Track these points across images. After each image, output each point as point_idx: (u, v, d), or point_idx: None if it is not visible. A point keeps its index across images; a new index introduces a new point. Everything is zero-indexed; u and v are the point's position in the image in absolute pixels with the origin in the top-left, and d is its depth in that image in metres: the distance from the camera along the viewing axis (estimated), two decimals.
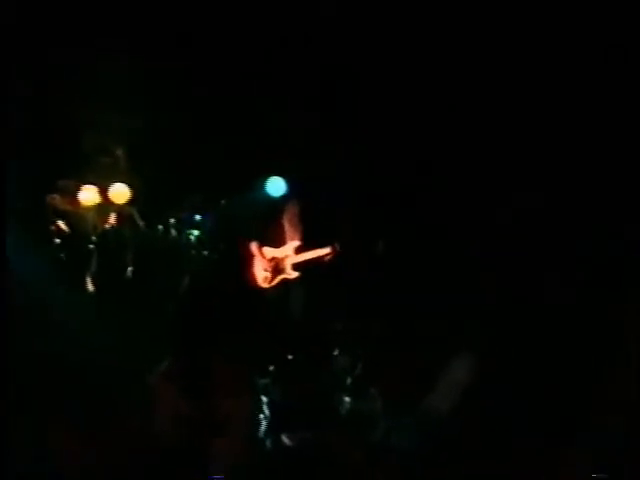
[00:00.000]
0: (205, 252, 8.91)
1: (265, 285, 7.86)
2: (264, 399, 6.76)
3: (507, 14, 6.35)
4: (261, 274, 7.91)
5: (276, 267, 7.86)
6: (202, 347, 6.14)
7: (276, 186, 8.73)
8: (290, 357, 7.17)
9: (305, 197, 7.90)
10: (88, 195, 8.73)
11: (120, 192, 8.81)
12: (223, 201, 8.93)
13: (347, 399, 6.86)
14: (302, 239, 7.84)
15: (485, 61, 6.63)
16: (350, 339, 7.26)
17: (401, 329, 7.34)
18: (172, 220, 9.04)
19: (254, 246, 7.88)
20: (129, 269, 8.59)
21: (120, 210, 8.83)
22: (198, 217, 9.08)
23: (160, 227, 9.00)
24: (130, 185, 8.79)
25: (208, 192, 8.91)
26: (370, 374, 6.93)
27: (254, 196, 8.64)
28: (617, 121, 6.38)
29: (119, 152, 8.83)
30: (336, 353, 7.16)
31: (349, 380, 6.95)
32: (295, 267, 7.89)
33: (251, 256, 7.91)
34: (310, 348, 7.31)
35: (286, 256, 7.92)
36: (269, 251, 8.00)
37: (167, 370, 5.65)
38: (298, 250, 7.89)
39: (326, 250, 7.63)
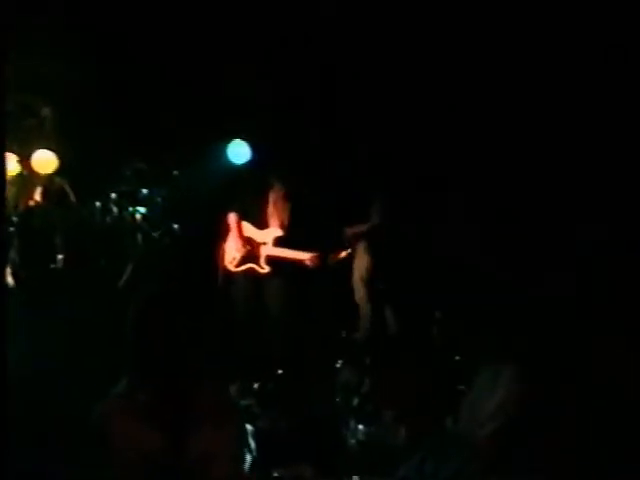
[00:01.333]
0: (155, 235, 7.94)
1: (231, 268, 6.97)
2: (248, 426, 5.42)
3: (508, 13, 6.45)
4: (231, 253, 6.99)
5: (249, 251, 6.96)
6: (167, 358, 4.77)
7: (239, 152, 7.76)
8: (279, 371, 6.21)
9: (286, 179, 7.06)
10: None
11: (46, 160, 7.80)
12: (175, 171, 8.12)
13: (355, 425, 5.61)
14: (285, 229, 7.00)
15: (484, 60, 6.71)
16: (354, 347, 6.43)
17: (414, 333, 6.67)
18: (112, 195, 7.98)
19: (233, 218, 6.92)
20: (59, 257, 7.53)
21: (47, 183, 7.82)
22: (145, 191, 8.06)
23: (97, 204, 7.96)
24: (59, 152, 7.80)
25: (157, 160, 8.06)
26: (381, 391, 5.43)
27: (213, 164, 7.72)
28: (617, 120, 6.42)
29: (45, 111, 7.93)
30: (339, 365, 6.15)
31: (356, 400, 5.80)
32: (269, 261, 6.98)
33: (227, 229, 6.95)
34: (304, 359, 6.47)
35: (263, 243, 7.02)
36: (247, 229, 7.02)
37: (123, 393, 4.11)
38: (277, 242, 7.01)
39: (308, 255, 6.88)
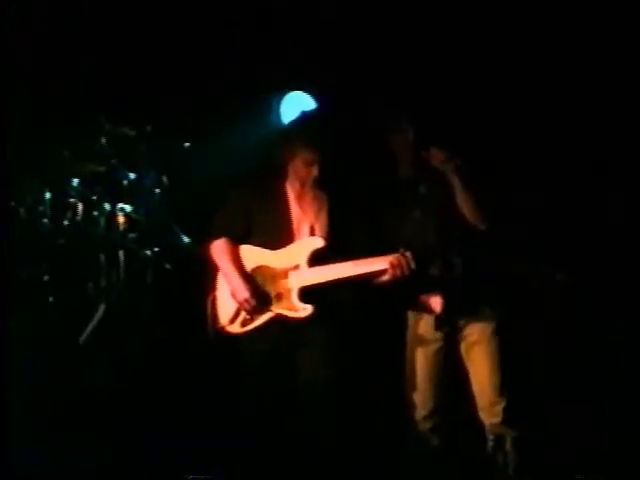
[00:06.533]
0: (147, 252, 5.42)
1: (234, 328, 4.87)
2: None
3: (513, 17, 6.33)
4: (228, 305, 4.90)
5: (265, 291, 4.81)
6: None
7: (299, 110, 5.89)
8: None
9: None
10: None
11: None
12: (187, 142, 5.65)
13: None
14: (326, 232, 4.87)
15: (487, 62, 6.37)
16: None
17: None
18: (74, 181, 5.38)
19: (220, 243, 4.87)
20: None
21: None
22: (131, 175, 5.52)
23: (47, 195, 5.34)
24: None
25: (154, 121, 5.58)
26: None
27: (254, 131, 5.86)
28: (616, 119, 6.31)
29: None
30: None
31: None
32: (308, 295, 4.75)
33: (214, 267, 4.94)
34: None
35: (293, 267, 4.84)
36: (255, 255, 4.91)
37: None
38: (317, 256, 4.82)
39: (382, 262, 4.67)
